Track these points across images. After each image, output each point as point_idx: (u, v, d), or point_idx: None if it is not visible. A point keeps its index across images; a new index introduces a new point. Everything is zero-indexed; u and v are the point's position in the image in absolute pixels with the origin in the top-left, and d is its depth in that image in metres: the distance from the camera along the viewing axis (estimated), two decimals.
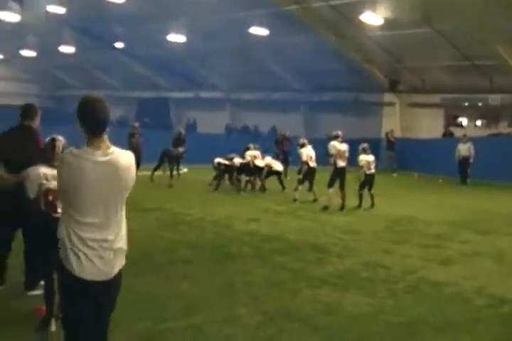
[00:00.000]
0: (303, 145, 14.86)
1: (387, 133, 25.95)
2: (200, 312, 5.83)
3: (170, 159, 17.68)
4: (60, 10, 29.65)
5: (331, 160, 13.40)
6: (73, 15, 30.42)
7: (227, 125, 35.38)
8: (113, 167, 3.35)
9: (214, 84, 35.31)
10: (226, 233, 10.17)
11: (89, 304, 3.35)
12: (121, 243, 3.48)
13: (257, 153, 16.83)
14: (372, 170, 13.65)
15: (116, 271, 3.45)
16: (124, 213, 3.53)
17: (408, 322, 5.82)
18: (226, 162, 16.37)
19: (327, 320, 5.79)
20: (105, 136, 3.40)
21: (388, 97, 28.17)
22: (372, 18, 20.93)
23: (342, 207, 13.15)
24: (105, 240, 3.37)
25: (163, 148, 17.77)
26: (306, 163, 14.31)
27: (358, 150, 13.76)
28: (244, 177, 16.58)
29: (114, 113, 41.34)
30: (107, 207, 3.37)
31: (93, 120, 3.36)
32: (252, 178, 16.71)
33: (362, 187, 13.66)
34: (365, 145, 13.80)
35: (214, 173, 16.98)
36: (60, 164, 3.33)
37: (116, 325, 5.25)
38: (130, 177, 3.47)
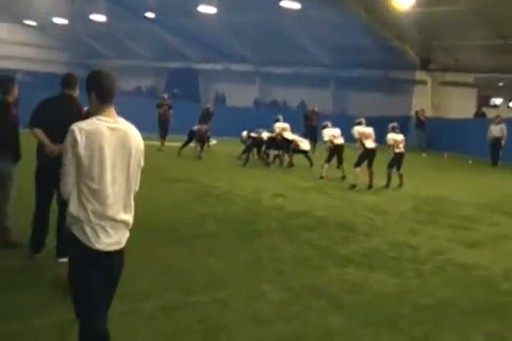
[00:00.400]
0: (325, 127, 14.91)
1: (417, 112, 25.60)
2: (225, 287, 5.83)
3: (196, 139, 17.48)
4: None
5: (358, 145, 13.33)
6: None
7: (255, 99, 35.18)
8: (124, 134, 3.44)
9: (243, 56, 35.01)
10: (253, 207, 10.14)
11: (101, 274, 3.42)
12: (130, 216, 3.54)
13: (286, 125, 16.66)
14: (401, 149, 13.48)
15: (124, 240, 3.52)
16: (133, 191, 3.56)
17: (434, 304, 5.76)
18: (254, 134, 16.25)
19: (352, 299, 5.76)
20: (112, 106, 3.52)
21: (420, 75, 27.65)
22: None
23: (370, 186, 13.02)
24: (117, 212, 3.41)
25: (189, 129, 17.57)
26: (330, 141, 14.32)
27: (387, 128, 13.60)
28: (272, 152, 16.49)
29: (144, 83, 41.46)
30: (121, 176, 3.42)
31: (102, 89, 3.48)
32: (281, 153, 16.59)
33: (390, 166, 13.50)
34: (394, 124, 13.64)
35: (242, 147, 16.89)
36: (75, 133, 3.28)
37: (145, 295, 5.36)
38: (140, 148, 3.53)
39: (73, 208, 3.35)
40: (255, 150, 16.61)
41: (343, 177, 14.17)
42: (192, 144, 17.53)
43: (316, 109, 22.10)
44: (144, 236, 7.40)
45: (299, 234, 8.33)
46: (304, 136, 19.02)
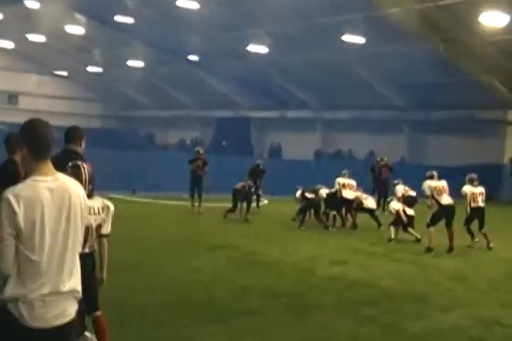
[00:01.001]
0: (392, 199, 15.21)
1: (510, 158, 25.16)
2: None
3: (240, 198, 17.52)
4: (128, 20, 31.13)
5: (428, 202, 13.16)
6: (142, 25, 31.57)
7: (316, 149, 35.26)
8: (66, 193, 3.46)
9: (301, 101, 35.42)
10: (306, 278, 10.06)
11: None
12: (77, 282, 3.51)
13: (349, 181, 16.50)
14: (480, 204, 13.24)
15: (72, 311, 3.48)
16: (78, 253, 3.57)
17: None
18: (309, 195, 16.08)
19: None
20: (49, 162, 3.51)
21: None
22: (495, 18, 20.32)
23: (450, 249, 12.78)
24: (60, 283, 3.40)
25: (233, 188, 17.73)
26: (400, 212, 14.32)
27: (465, 180, 13.53)
28: (332, 211, 16.36)
29: (190, 135, 42.22)
30: (64, 240, 3.42)
31: (35, 143, 3.46)
32: (343, 212, 16.45)
33: (467, 222, 13.43)
34: (473, 175, 13.60)
35: (298, 206, 16.83)
36: (11, 202, 3.27)
37: None
38: (83, 204, 3.57)
39: (11, 287, 3.34)
40: (313, 209, 16.49)
41: (418, 240, 13.92)
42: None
43: (386, 159, 21.95)
44: (176, 314, 7.41)
45: (359, 308, 8.16)
46: (373, 191, 18.84)
